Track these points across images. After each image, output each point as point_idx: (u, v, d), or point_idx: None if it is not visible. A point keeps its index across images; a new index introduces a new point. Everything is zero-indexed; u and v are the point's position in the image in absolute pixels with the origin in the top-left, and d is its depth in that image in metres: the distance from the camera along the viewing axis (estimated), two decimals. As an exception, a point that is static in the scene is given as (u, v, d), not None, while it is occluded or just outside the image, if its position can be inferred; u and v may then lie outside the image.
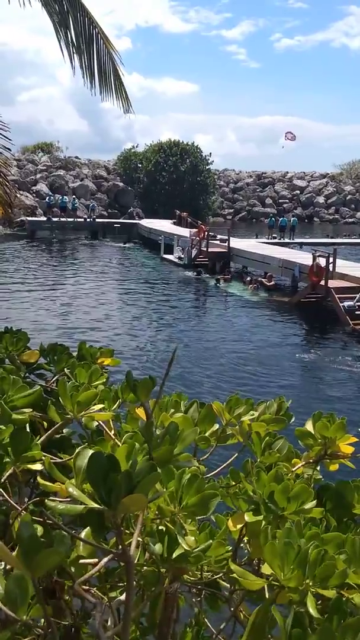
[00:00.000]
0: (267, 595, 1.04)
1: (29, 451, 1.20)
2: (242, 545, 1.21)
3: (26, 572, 0.84)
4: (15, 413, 1.26)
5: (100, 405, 1.33)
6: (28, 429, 1.27)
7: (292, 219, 41.15)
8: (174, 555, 1.03)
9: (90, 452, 0.96)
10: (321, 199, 67.33)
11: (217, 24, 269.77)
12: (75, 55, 8.12)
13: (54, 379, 1.68)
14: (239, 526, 1.15)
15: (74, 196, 50.07)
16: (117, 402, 1.46)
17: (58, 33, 7.99)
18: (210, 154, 60.06)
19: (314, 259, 21.27)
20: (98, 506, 0.86)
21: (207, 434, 1.36)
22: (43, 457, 1.21)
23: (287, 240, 36.44)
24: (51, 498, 1.11)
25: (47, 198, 45.92)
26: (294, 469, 1.30)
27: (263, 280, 24.67)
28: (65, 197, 46.37)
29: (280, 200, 66.87)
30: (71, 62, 8.18)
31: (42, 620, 1.08)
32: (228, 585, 1.22)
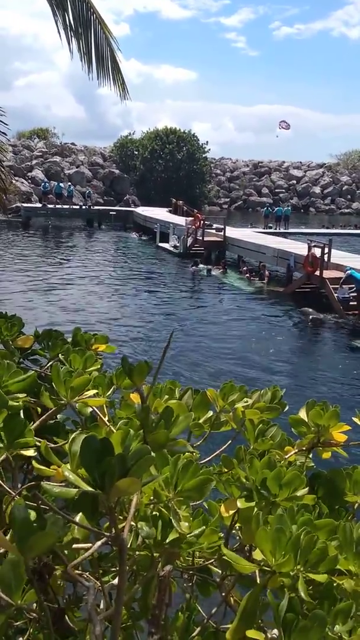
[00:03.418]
0: (258, 581, 1.05)
1: (23, 437, 1.19)
2: (233, 532, 1.22)
3: (19, 555, 0.84)
4: (9, 398, 1.26)
5: (94, 391, 1.33)
6: (22, 415, 1.27)
7: (285, 208, 41.11)
8: (168, 539, 1.03)
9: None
10: (317, 189, 67.19)
11: (216, 11, 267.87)
12: (73, 38, 8.05)
13: (48, 364, 1.67)
14: (231, 512, 1.15)
15: (69, 183, 49.75)
16: (112, 388, 1.46)
17: (55, 15, 7.91)
18: (207, 142, 59.87)
19: (309, 249, 21.27)
20: (92, 489, 0.86)
21: (201, 421, 1.37)
22: (37, 443, 1.21)
23: (282, 230, 36.46)
24: (45, 482, 1.11)
25: (43, 185, 45.62)
26: (286, 456, 1.30)
27: (255, 279, 24.56)
28: (61, 183, 46.08)
29: (276, 190, 66.69)
30: (69, 46, 8.12)
31: (35, 604, 1.09)
32: (220, 571, 1.23)
